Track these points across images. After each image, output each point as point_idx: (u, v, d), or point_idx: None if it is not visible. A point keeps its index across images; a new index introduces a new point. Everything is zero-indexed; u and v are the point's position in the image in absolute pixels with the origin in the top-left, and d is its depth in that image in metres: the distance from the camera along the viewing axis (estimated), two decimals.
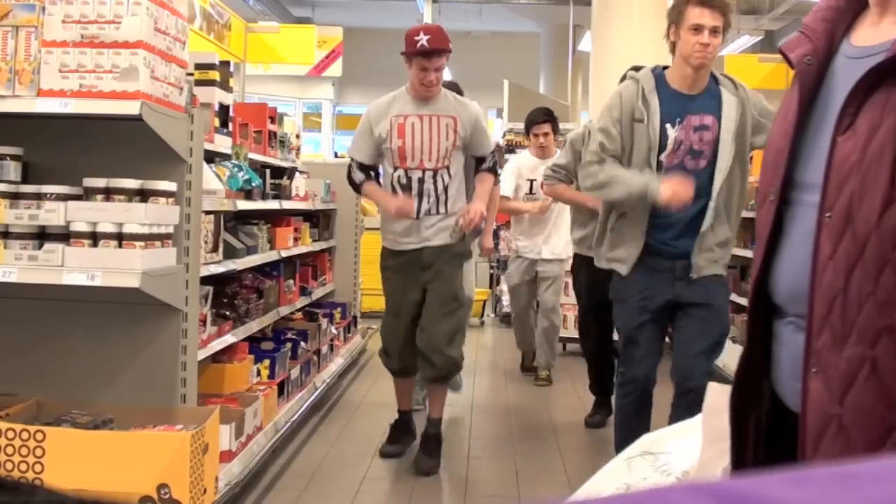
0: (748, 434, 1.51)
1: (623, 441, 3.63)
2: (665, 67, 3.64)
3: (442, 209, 4.25)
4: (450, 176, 4.24)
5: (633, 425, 3.62)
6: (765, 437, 1.51)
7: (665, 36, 3.59)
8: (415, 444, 4.49)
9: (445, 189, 4.24)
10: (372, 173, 4.38)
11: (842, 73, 1.40)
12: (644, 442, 1.91)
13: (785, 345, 1.45)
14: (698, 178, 3.46)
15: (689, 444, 1.86)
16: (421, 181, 4.21)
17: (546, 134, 6.21)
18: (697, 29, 3.43)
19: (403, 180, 4.22)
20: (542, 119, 6.22)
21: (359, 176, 4.33)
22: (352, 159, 4.37)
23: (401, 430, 4.56)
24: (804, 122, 1.43)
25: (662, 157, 3.54)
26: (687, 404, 3.42)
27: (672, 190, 3.36)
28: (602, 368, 5.32)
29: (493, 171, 4.40)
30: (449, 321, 4.27)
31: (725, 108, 3.51)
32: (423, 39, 4.08)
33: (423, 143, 4.20)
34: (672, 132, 3.51)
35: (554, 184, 5.30)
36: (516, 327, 6.67)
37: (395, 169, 4.23)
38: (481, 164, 4.37)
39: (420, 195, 4.21)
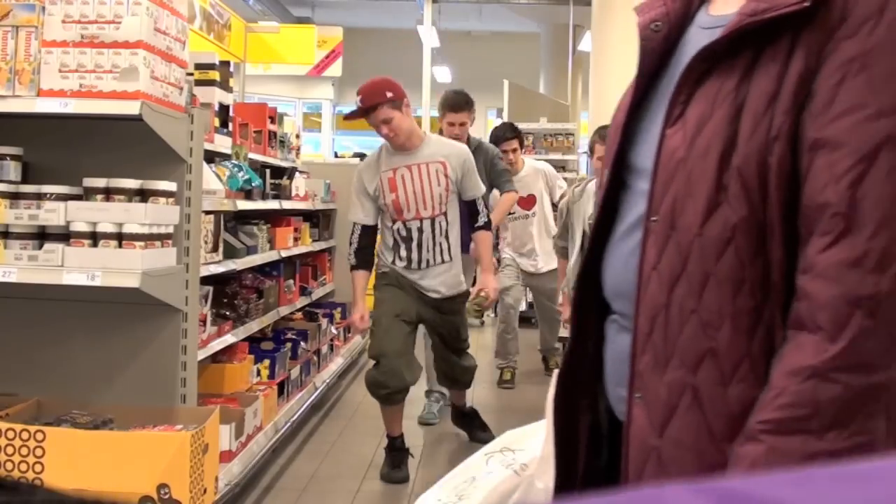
0: (578, 441, 1.35)
1: None
2: None
3: (446, 257, 4.23)
4: (447, 222, 4.21)
5: None
6: (598, 443, 1.34)
7: None
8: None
9: (446, 236, 4.22)
10: (373, 240, 4.30)
11: (692, 45, 1.22)
12: (506, 438, 1.78)
13: (609, 343, 1.30)
14: None
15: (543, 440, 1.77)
16: (420, 231, 4.18)
17: (514, 150, 6.20)
18: None
19: (403, 232, 4.19)
20: (510, 135, 6.22)
21: (352, 260, 4.22)
22: (354, 224, 4.27)
23: (400, 452, 4.33)
24: (646, 97, 1.26)
25: None
26: None
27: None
28: None
29: (488, 226, 4.40)
30: (462, 357, 4.55)
31: None
32: (358, 100, 4.08)
33: (416, 193, 4.15)
34: None
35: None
36: (501, 333, 6.30)
37: (394, 222, 4.20)
38: (474, 213, 4.32)
39: (420, 245, 4.19)
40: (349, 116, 4.14)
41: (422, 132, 4.26)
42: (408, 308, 4.21)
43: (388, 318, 4.18)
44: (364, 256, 4.22)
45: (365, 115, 4.05)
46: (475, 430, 4.83)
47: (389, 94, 4.06)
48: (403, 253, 4.19)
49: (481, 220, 4.32)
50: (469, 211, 4.32)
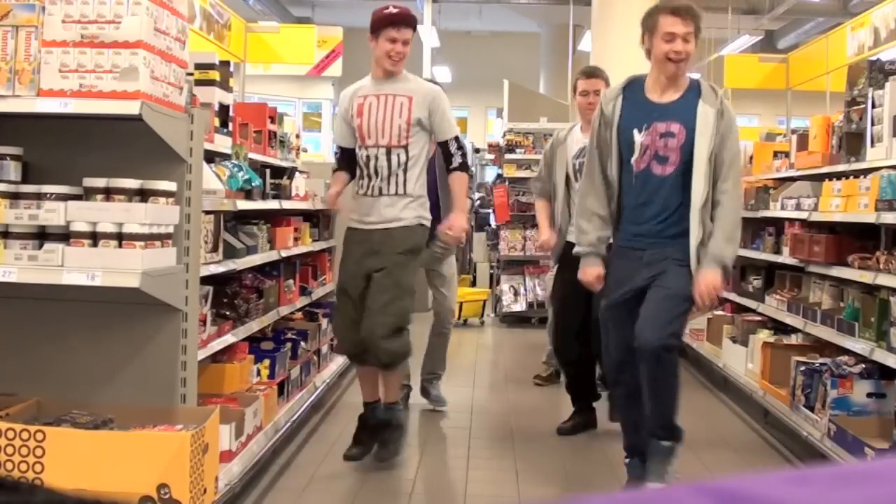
0: None
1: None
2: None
3: (396, 189, 4.25)
4: (407, 156, 4.25)
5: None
6: None
7: (640, 42, 3.74)
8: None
9: (403, 169, 4.25)
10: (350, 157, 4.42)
11: None
12: None
13: None
14: (663, 183, 3.66)
15: None
16: (376, 158, 4.27)
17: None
18: (670, 38, 3.57)
19: (364, 158, 4.30)
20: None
21: (335, 165, 4.51)
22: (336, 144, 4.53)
23: (363, 426, 4.36)
24: None
25: (632, 161, 3.70)
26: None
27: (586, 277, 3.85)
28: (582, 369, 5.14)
29: (465, 167, 4.35)
30: (387, 314, 4.12)
31: (700, 117, 3.62)
32: (391, 9, 4.21)
33: (378, 122, 4.26)
34: (638, 137, 3.66)
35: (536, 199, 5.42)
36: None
37: (360, 147, 4.32)
38: (448, 156, 4.32)
39: (376, 171, 4.26)
40: (378, 12, 4.23)
41: (405, 71, 4.37)
42: (358, 276, 4.26)
43: (339, 295, 4.43)
44: (344, 160, 4.44)
45: (394, 22, 4.17)
46: (380, 448, 4.36)
47: (416, 24, 4.29)
48: (364, 181, 4.31)
49: (455, 161, 4.34)
50: (442, 154, 4.37)
